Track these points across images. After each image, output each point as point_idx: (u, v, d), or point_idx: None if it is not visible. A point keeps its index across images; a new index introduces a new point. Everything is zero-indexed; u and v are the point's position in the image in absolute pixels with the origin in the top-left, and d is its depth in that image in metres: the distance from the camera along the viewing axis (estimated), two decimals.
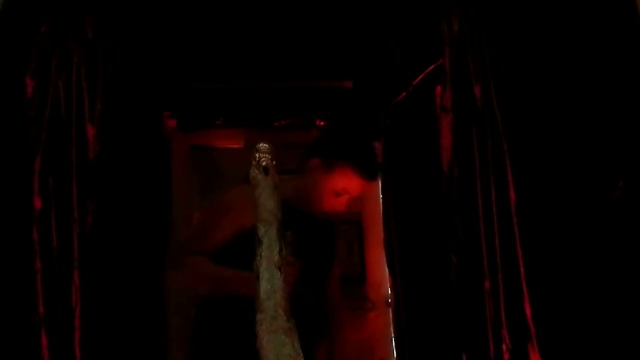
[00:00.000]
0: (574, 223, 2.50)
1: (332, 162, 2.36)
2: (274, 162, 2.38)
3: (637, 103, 2.44)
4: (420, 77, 3.39)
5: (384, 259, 3.75)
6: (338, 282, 2.70)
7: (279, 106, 3.68)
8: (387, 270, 3.74)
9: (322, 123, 3.76)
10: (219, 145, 3.79)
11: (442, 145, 2.78)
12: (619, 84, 2.49)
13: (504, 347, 2.53)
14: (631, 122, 2.45)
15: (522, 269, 2.50)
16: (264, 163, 2.37)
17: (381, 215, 3.82)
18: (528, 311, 2.47)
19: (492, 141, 2.62)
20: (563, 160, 2.55)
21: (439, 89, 2.89)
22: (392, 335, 3.72)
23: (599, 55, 2.53)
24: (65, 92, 2.54)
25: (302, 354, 2.27)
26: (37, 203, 2.45)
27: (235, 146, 3.76)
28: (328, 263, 2.60)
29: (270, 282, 2.28)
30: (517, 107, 2.61)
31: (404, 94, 3.61)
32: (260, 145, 2.40)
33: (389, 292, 3.76)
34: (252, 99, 3.65)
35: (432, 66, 3.20)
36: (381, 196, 3.85)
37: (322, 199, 2.39)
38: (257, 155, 2.38)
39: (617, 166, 2.46)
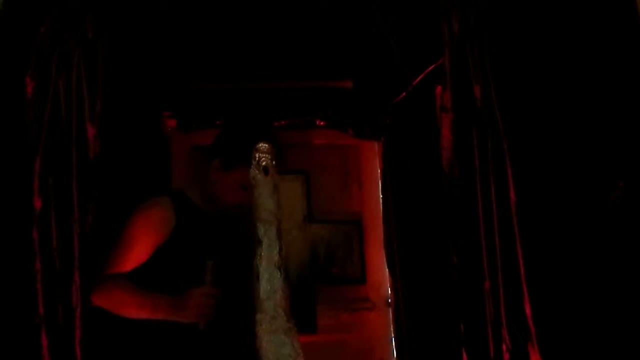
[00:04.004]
0: (574, 223, 2.50)
1: (230, 159, 2.45)
2: (274, 162, 2.39)
3: (637, 103, 2.44)
4: (420, 77, 3.39)
5: (384, 259, 3.75)
6: None
7: (279, 106, 3.68)
8: (387, 270, 3.74)
9: (322, 123, 3.76)
10: None
11: (442, 145, 2.78)
12: (619, 84, 2.48)
13: (504, 347, 2.53)
14: (631, 122, 2.45)
15: (522, 269, 2.50)
16: (264, 163, 2.38)
17: (381, 215, 3.82)
18: (528, 311, 2.47)
19: (492, 141, 2.62)
20: (563, 160, 2.55)
21: (439, 89, 2.89)
22: (392, 335, 3.72)
23: (599, 55, 2.53)
24: (65, 92, 2.54)
25: (302, 354, 2.28)
26: (37, 203, 2.45)
27: None
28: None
29: (270, 282, 2.28)
30: (517, 107, 2.61)
31: (404, 94, 3.61)
32: (260, 145, 2.40)
33: (389, 292, 3.76)
34: (252, 99, 3.66)
35: (432, 66, 3.20)
36: (381, 196, 3.85)
37: (230, 194, 2.46)
38: (257, 155, 2.39)
39: (617, 166, 2.46)
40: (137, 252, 2.38)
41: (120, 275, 2.37)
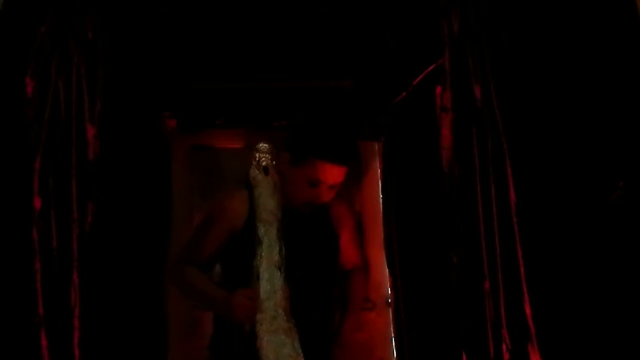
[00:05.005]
0: (574, 223, 2.50)
1: (299, 152, 2.44)
2: (274, 162, 2.40)
3: (637, 103, 2.44)
4: (420, 77, 3.39)
5: (384, 259, 3.75)
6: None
7: (279, 106, 3.68)
8: (387, 270, 3.74)
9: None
10: (219, 145, 3.78)
11: (442, 145, 2.78)
12: (619, 84, 2.49)
13: (504, 347, 2.53)
14: (631, 122, 2.45)
15: (522, 269, 2.50)
16: (264, 163, 2.39)
17: (381, 215, 3.82)
18: (528, 311, 2.47)
19: (492, 141, 2.63)
20: (563, 160, 2.55)
21: (439, 89, 2.89)
22: (392, 335, 3.72)
23: (599, 55, 2.53)
24: (65, 92, 2.54)
25: (302, 354, 2.28)
26: (37, 203, 2.45)
27: (235, 146, 3.75)
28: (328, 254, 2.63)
29: (270, 282, 2.28)
30: (517, 107, 2.61)
31: (404, 94, 3.61)
32: (260, 145, 2.41)
33: (389, 292, 3.76)
34: (252, 99, 3.65)
35: (432, 66, 3.20)
36: (381, 196, 3.85)
37: (297, 190, 2.46)
38: (257, 155, 2.40)
39: (617, 166, 2.46)
40: (209, 242, 2.50)
41: (195, 261, 2.42)
